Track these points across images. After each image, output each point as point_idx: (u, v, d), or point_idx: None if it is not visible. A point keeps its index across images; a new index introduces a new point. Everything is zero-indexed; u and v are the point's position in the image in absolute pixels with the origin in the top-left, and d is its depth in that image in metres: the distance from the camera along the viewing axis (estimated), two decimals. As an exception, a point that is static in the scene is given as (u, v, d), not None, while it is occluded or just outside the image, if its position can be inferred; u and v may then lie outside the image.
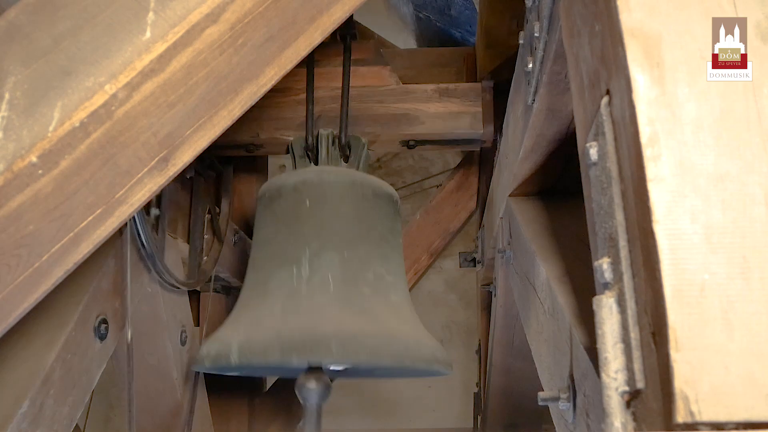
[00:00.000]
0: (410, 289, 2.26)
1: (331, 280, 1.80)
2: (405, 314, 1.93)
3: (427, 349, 1.86)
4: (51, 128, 0.92)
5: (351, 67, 2.03)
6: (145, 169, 1.04)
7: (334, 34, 1.91)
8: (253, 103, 1.11)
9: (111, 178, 1.01)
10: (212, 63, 1.02)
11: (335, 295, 1.79)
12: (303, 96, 2.04)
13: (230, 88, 1.07)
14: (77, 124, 0.94)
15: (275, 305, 1.79)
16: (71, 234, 1.01)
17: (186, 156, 1.08)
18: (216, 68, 1.03)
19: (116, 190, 1.03)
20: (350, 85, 2.04)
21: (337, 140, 2.09)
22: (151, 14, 0.96)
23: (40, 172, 0.94)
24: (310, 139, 2.07)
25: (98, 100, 0.94)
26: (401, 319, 1.88)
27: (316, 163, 2.09)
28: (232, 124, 2.08)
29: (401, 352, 1.76)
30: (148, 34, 0.96)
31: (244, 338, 1.76)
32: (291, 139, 2.11)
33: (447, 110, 2.18)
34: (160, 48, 0.97)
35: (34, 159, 0.92)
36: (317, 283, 1.80)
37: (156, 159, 1.04)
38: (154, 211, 2.00)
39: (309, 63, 1.95)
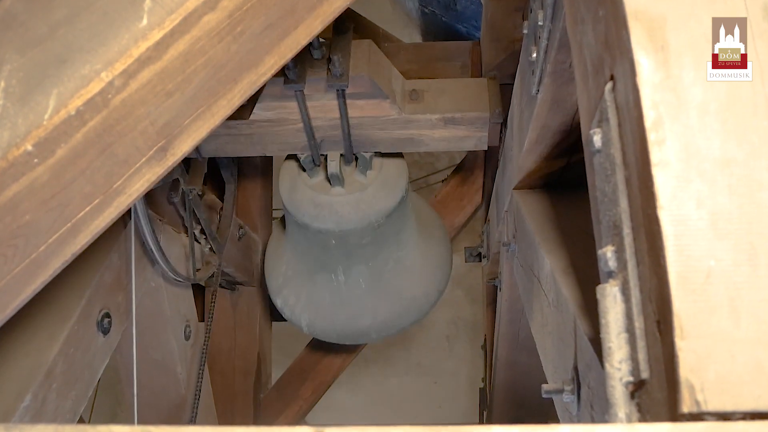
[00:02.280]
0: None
1: (362, 282, 2.51)
2: (417, 268, 2.62)
3: (433, 293, 2.72)
4: (47, 116, 0.91)
5: (348, 101, 2.00)
6: (144, 159, 1.02)
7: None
8: (253, 93, 1.10)
9: (109, 168, 1.00)
10: (210, 51, 1.01)
11: (366, 289, 2.53)
12: (301, 126, 2.03)
13: (229, 77, 1.05)
14: (73, 112, 0.92)
15: (324, 298, 2.57)
16: (69, 224, 1.00)
17: (185, 146, 1.07)
18: (214, 56, 1.02)
19: (114, 180, 1.01)
20: (349, 115, 2.03)
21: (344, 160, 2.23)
22: (148, 1, 0.95)
23: (35, 160, 0.92)
24: (317, 159, 2.20)
25: (94, 87, 0.93)
26: (413, 275, 2.61)
27: (328, 177, 2.22)
28: (240, 146, 2.10)
29: (413, 315, 2.67)
30: (144, 21, 0.95)
31: (310, 322, 2.63)
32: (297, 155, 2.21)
33: (452, 135, 2.16)
34: (157, 35, 0.95)
35: (29, 147, 0.91)
36: (352, 284, 2.51)
37: (154, 149, 1.02)
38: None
39: (299, 97, 1.95)
